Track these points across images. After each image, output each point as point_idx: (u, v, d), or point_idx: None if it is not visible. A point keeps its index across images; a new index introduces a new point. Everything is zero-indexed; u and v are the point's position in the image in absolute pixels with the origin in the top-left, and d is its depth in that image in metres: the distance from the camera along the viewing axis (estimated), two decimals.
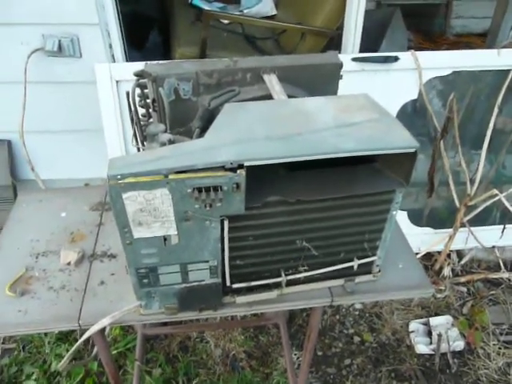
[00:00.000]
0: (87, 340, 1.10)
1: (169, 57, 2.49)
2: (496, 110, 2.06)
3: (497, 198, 2.17)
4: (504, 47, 1.99)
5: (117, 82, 1.85)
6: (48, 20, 1.81)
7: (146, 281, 0.98)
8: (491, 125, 2.09)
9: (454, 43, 3.68)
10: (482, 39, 3.27)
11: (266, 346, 2.06)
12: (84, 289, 1.14)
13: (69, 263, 1.21)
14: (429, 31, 3.83)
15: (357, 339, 2.11)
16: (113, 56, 1.89)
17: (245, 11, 2.84)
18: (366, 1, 1.83)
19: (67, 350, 1.92)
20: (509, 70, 1.99)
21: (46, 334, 2.00)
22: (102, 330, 1.14)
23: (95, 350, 1.79)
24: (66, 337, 2.00)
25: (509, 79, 2.00)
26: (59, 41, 1.83)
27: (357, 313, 2.23)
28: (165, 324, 1.94)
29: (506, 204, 2.14)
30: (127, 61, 1.94)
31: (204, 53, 2.28)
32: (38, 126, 2.05)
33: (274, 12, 2.86)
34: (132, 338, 2.01)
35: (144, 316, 1.07)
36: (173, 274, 0.99)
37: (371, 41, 2.21)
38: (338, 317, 2.21)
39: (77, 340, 1.91)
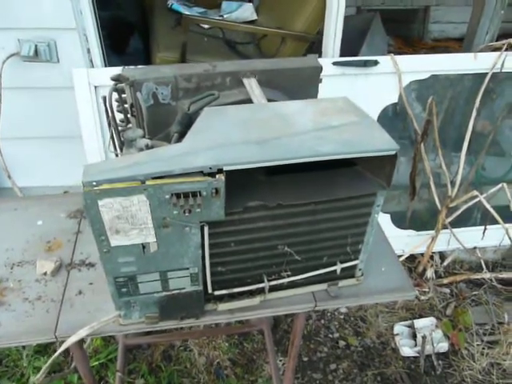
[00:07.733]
0: (67, 352, 1.07)
1: (149, 62, 2.46)
2: (474, 113, 2.08)
3: (477, 199, 2.19)
4: (480, 51, 2.02)
5: (95, 87, 1.82)
6: (24, 24, 1.77)
7: (124, 290, 0.96)
8: (470, 127, 2.11)
9: (433, 48, 3.74)
10: (460, 43, 3.32)
11: (250, 353, 2.04)
12: (61, 299, 1.11)
13: (45, 273, 1.17)
14: (408, 36, 3.89)
15: (342, 343, 2.11)
16: (91, 61, 1.86)
17: (225, 16, 2.83)
18: (346, 6, 1.83)
19: (46, 363, 1.86)
20: (485, 74, 2.02)
21: (23, 347, 1.94)
22: (80, 342, 1.11)
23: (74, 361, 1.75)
24: (44, 349, 1.94)
25: (486, 82, 2.02)
26: (35, 45, 1.79)
27: (342, 317, 2.23)
28: (147, 333, 1.90)
29: (486, 205, 2.16)
30: (106, 66, 1.91)
31: (184, 58, 2.26)
32: (15, 133, 2.00)
33: (255, 17, 2.85)
34: (113, 348, 1.96)
35: (124, 326, 1.04)
36: (152, 283, 0.96)
37: (351, 45, 2.22)
38: (323, 321, 2.20)
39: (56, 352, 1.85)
